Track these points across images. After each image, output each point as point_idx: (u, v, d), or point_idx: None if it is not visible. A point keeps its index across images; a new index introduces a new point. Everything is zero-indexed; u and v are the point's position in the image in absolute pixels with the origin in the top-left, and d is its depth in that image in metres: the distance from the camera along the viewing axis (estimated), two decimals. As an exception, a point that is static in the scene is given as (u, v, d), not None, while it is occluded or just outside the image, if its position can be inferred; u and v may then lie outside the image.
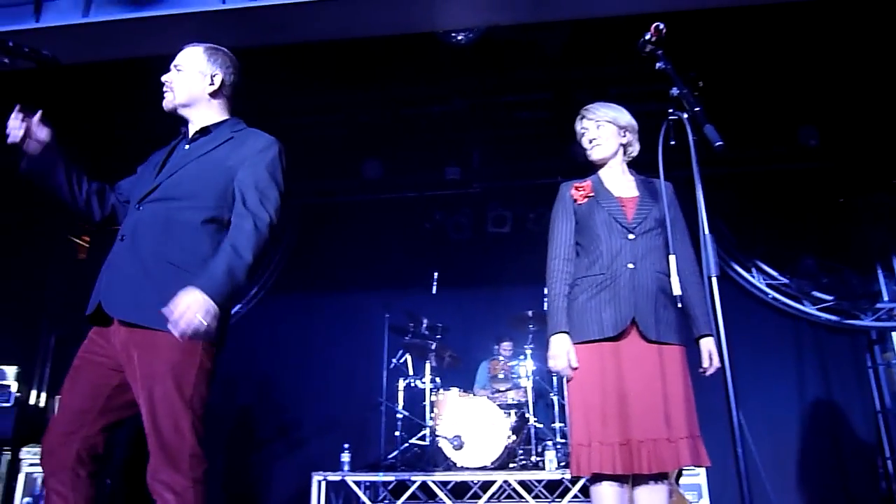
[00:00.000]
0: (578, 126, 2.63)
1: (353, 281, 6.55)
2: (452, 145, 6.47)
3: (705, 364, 2.38)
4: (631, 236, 2.39)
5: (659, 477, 2.26)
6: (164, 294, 1.79)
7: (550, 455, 4.58)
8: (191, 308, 1.75)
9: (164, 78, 2.18)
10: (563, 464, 4.71)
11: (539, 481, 4.60)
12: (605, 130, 2.55)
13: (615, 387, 2.25)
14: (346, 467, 4.86)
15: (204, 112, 2.17)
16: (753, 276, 6.13)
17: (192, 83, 2.16)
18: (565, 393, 2.50)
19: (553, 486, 4.71)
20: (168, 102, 2.17)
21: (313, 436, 6.13)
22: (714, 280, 1.69)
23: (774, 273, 6.11)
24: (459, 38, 4.68)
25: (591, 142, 2.57)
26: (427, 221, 6.83)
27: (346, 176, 6.59)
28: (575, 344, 2.38)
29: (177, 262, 1.91)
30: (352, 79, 5.55)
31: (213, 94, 2.17)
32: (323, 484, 4.71)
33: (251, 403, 6.54)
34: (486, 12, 4.08)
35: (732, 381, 1.61)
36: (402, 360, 5.72)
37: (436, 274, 6.00)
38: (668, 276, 2.21)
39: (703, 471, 4.34)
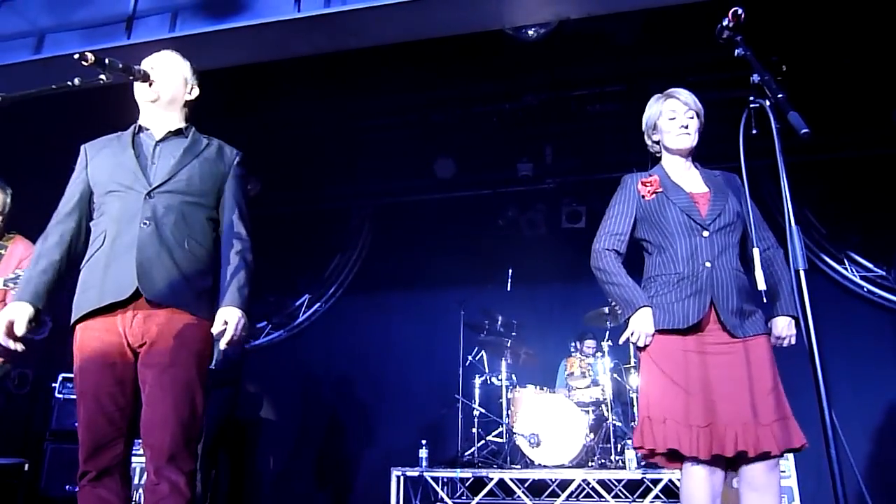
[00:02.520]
0: (659, 106, 2.48)
1: (427, 279, 6.62)
2: (524, 141, 6.44)
3: (783, 334, 2.31)
4: (705, 233, 2.30)
5: (763, 457, 2.14)
6: (189, 280, 2.07)
7: (630, 454, 4.49)
8: (238, 324, 2.09)
9: (150, 70, 2.23)
10: (643, 463, 4.61)
11: (619, 481, 4.52)
12: (695, 122, 2.42)
13: (699, 374, 2.19)
14: (425, 463, 4.92)
15: (176, 115, 2.32)
16: (846, 269, 5.81)
17: (178, 86, 2.30)
18: (641, 372, 2.40)
19: (634, 486, 4.62)
20: (154, 94, 2.23)
21: (392, 432, 6.25)
22: (802, 274, 1.62)
23: (869, 265, 5.77)
24: (530, 33, 4.65)
25: (682, 128, 2.41)
26: (500, 218, 6.82)
27: (420, 175, 6.68)
28: (657, 333, 2.30)
29: (196, 252, 2.13)
30: (423, 79, 5.61)
31: (187, 103, 2.35)
32: (402, 479, 4.79)
33: (331, 400, 6.74)
34: (557, 6, 4.04)
35: (824, 380, 1.53)
36: (477, 357, 5.74)
37: (510, 271, 6.00)
38: (748, 272, 2.14)
39: (793, 473, 4.15)
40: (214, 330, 2.07)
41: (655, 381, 2.28)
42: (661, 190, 2.40)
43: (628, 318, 2.33)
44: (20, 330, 2.00)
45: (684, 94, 2.45)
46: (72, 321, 2.07)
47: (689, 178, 2.45)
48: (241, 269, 2.18)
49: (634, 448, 2.31)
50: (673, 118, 2.43)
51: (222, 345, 2.07)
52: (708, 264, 2.27)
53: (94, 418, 1.97)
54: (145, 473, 2.02)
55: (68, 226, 2.16)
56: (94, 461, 1.96)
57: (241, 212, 2.27)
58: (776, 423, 2.11)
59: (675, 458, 2.20)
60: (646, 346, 2.30)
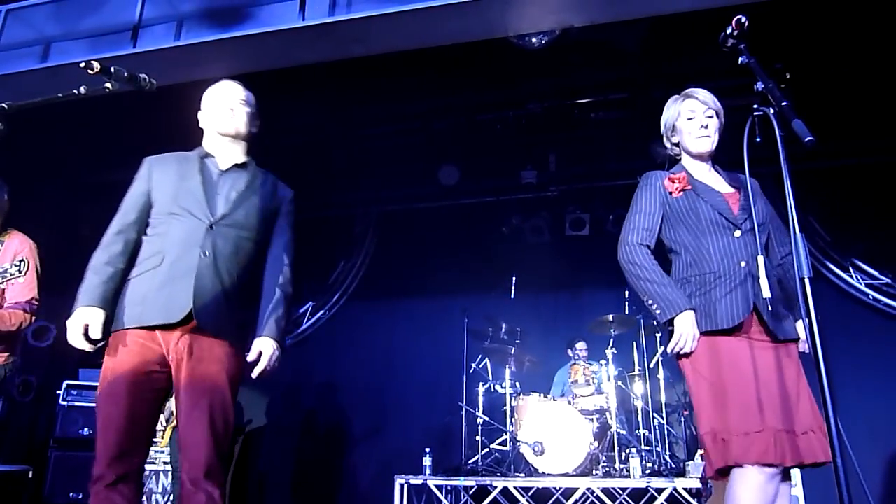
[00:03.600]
0: (678, 106, 2.40)
1: (431, 286, 6.62)
2: (528, 149, 6.45)
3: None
4: (737, 233, 2.22)
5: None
6: (235, 312, 2.22)
7: (635, 462, 4.47)
8: (273, 356, 2.25)
9: (237, 105, 2.40)
10: (648, 472, 4.59)
11: (623, 489, 4.50)
12: (714, 122, 2.34)
13: (759, 374, 2.07)
14: (428, 471, 4.91)
15: (241, 148, 2.44)
16: (851, 276, 5.78)
17: (251, 122, 2.45)
18: (689, 383, 2.21)
19: (638, 495, 4.60)
20: (235, 128, 2.38)
21: (395, 439, 6.23)
22: (807, 281, 1.61)
23: (874, 272, 5.74)
24: (533, 41, 4.66)
25: (703, 127, 2.33)
26: (504, 226, 6.82)
27: (423, 182, 6.69)
28: (703, 335, 2.17)
29: (245, 285, 2.28)
30: (427, 86, 5.63)
31: (250, 137, 2.47)
32: (405, 487, 4.78)
33: (335, 407, 6.73)
34: (561, 14, 4.05)
35: (829, 388, 1.52)
36: (481, 365, 5.73)
37: (514, 278, 5.99)
38: (759, 277, 2.03)
39: (799, 482, 4.12)
40: (250, 358, 2.22)
41: (712, 389, 2.11)
42: (689, 188, 2.31)
43: (670, 321, 2.18)
44: (96, 334, 2.09)
45: (703, 94, 2.38)
46: (114, 329, 2.15)
47: (713, 179, 2.37)
48: (281, 301, 2.33)
49: (717, 471, 2.05)
50: (692, 118, 2.36)
51: (255, 374, 2.22)
52: (743, 264, 2.18)
53: (125, 422, 2.03)
54: (169, 481, 2.10)
55: (130, 236, 2.25)
56: (116, 466, 2.00)
57: (288, 248, 2.43)
58: (822, 432, 2.02)
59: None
60: (691, 352, 2.16)
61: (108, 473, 1.99)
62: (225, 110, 2.37)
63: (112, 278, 2.17)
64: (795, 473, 4.03)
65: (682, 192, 2.32)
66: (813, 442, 2.02)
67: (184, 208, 2.22)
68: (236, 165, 2.38)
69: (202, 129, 2.46)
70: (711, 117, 2.35)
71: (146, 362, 2.09)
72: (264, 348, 2.23)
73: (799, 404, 2.06)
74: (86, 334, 2.08)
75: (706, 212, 2.25)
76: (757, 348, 2.13)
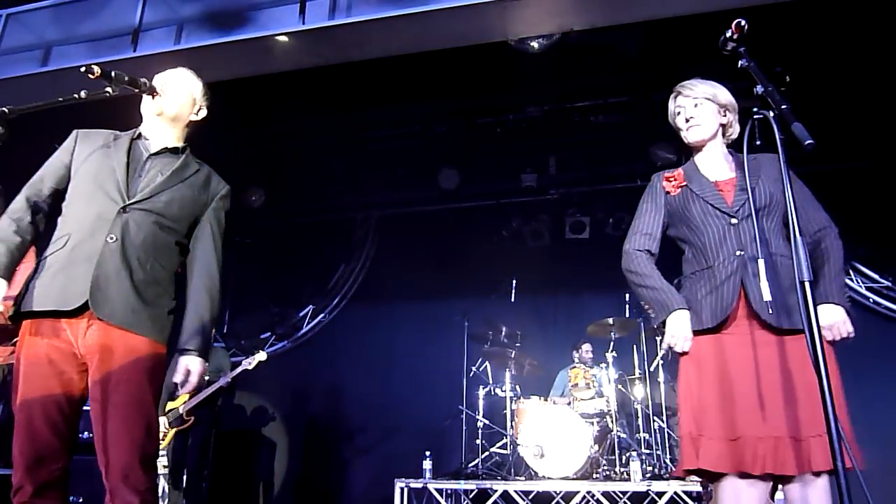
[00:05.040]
0: (672, 105, 2.39)
1: (431, 289, 6.62)
2: (528, 152, 6.45)
3: (828, 323, 2.07)
4: (734, 221, 2.16)
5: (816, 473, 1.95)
6: (146, 303, 2.02)
7: (635, 466, 4.46)
8: (198, 374, 2.10)
9: (158, 84, 2.23)
10: (648, 475, 4.58)
11: (623, 492, 4.49)
12: (703, 109, 2.30)
13: (735, 377, 2.03)
14: (428, 474, 4.90)
15: (176, 132, 2.29)
16: (852, 280, 5.79)
17: (184, 104, 2.28)
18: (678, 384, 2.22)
19: (639, 498, 4.59)
20: (159, 107, 2.21)
21: (395, 443, 6.22)
22: (807, 285, 1.61)
23: (875, 276, 5.75)
24: (533, 45, 4.67)
25: (687, 121, 2.31)
26: (504, 229, 6.82)
27: (423, 186, 6.69)
28: (696, 334, 2.15)
29: (157, 276, 2.08)
30: (427, 90, 5.64)
31: (190, 122, 2.33)
32: (405, 490, 4.76)
33: (335, 410, 6.72)
34: (561, 18, 4.06)
35: (830, 392, 1.52)
36: (481, 368, 5.73)
37: (514, 281, 5.99)
38: (790, 259, 1.95)
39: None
40: (176, 379, 2.08)
41: (689, 391, 2.12)
42: (685, 184, 2.30)
43: (663, 323, 2.18)
44: None
45: (689, 86, 2.36)
46: (15, 310, 1.99)
47: (718, 166, 2.32)
48: (206, 307, 2.16)
49: (685, 471, 2.06)
50: (678, 113, 2.36)
51: (182, 392, 2.16)
52: (739, 253, 2.12)
53: (38, 426, 1.87)
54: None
55: (41, 207, 2.09)
56: (34, 474, 1.85)
57: (216, 246, 2.25)
58: (817, 440, 1.90)
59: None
60: (686, 352, 2.14)
61: (26, 483, 1.84)
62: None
63: (18, 248, 2.01)
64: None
65: (679, 189, 2.30)
66: (808, 448, 1.91)
67: (100, 187, 2.06)
68: (167, 150, 2.22)
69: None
70: (698, 105, 2.32)
71: (53, 361, 1.92)
72: (191, 366, 2.08)
73: (798, 405, 1.96)
74: None
75: (699, 206, 2.23)
76: (758, 343, 2.05)
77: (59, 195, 2.12)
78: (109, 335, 1.94)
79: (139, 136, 2.24)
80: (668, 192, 2.33)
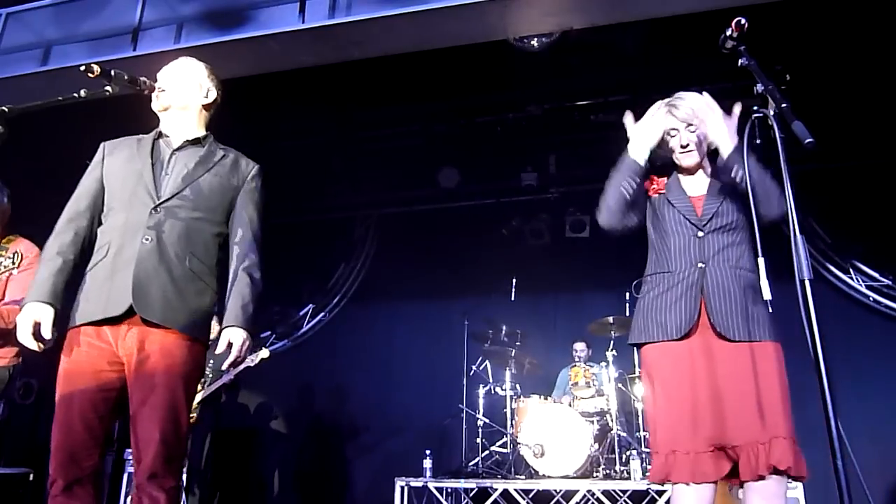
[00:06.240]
0: (665, 120, 2.38)
1: (431, 288, 6.62)
2: (528, 151, 6.45)
3: None
4: (700, 234, 2.25)
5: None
6: (186, 300, 2.05)
7: (636, 465, 4.46)
8: (243, 346, 2.09)
9: (159, 83, 2.24)
10: (648, 474, 4.58)
11: (624, 491, 4.49)
12: (696, 135, 2.33)
13: (701, 385, 2.10)
14: (428, 473, 4.90)
15: (193, 122, 2.29)
16: (852, 278, 5.79)
17: (189, 91, 2.28)
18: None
19: (639, 497, 4.59)
20: (163, 102, 2.23)
21: (395, 442, 6.22)
22: (807, 283, 1.61)
23: (875, 274, 5.74)
24: (533, 43, 4.67)
25: (683, 147, 2.34)
26: (504, 228, 6.82)
27: (423, 185, 6.69)
28: (645, 344, 2.27)
29: (196, 270, 2.10)
30: (427, 89, 5.64)
31: (205, 107, 2.32)
32: (405, 489, 4.77)
33: (335, 409, 6.73)
34: (561, 16, 4.05)
35: (830, 391, 1.52)
36: (481, 367, 5.73)
37: (514, 280, 5.99)
38: (755, 273, 2.05)
39: (800, 484, 4.12)
40: (218, 350, 2.07)
41: (654, 403, 2.21)
42: (664, 191, 2.39)
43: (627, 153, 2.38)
44: (47, 332, 1.98)
45: (682, 108, 2.35)
46: (69, 327, 2.05)
47: (698, 182, 2.38)
48: (247, 286, 2.15)
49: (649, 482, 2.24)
50: (673, 136, 2.38)
51: (225, 365, 2.13)
52: (701, 265, 2.21)
53: (74, 425, 1.94)
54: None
55: (81, 224, 2.12)
56: (66, 470, 1.92)
57: (253, 228, 2.24)
58: (781, 441, 1.99)
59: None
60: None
61: (59, 478, 1.91)
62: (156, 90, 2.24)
63: (62, 270, 2.04)
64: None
65: (657, 193, 2.41)
66: (772, 449, 1.98)
67: (132, 193, 2.09)
68: (188, 141, 2.24)
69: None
70: (693, 131, 2.34)
71: (95, 362, 1.98)
72: (233, 338, 2.07)
73: (764, 410, 2.02)
74: (36, 332, 1.96)
75: (671, 214, 2.33)
76: (716, 354, 2.13)
77: (96, 209, 2.16)
78: (149, 336, 1.99)
79: (160, 134, 2.26)
80: (646, 191, 2.44)
